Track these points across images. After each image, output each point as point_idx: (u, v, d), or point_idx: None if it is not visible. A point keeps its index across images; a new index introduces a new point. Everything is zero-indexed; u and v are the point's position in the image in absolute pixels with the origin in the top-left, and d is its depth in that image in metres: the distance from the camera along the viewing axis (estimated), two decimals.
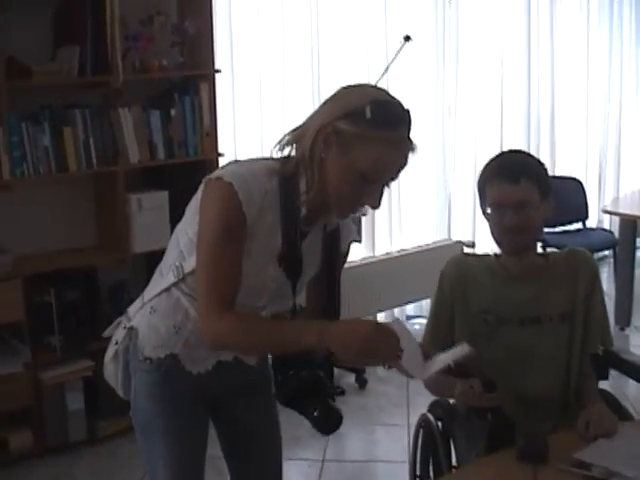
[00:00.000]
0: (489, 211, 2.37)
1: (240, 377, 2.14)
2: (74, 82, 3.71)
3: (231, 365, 2.08)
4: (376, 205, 1.87)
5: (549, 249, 5.12)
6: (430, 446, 2.64)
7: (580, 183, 5.83)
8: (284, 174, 1.87)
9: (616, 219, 5.67)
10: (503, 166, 2.38)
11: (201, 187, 1.90)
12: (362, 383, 4.51)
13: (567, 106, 6.29)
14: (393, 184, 1.90)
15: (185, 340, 2.01)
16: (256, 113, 4.60)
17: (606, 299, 2.55)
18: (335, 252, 2.06)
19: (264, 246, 1.89)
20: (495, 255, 2.52)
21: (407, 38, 4.40)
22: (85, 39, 3.62)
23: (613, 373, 2.63)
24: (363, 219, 4.66)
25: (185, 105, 3.98)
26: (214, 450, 2.26)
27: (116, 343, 2.11)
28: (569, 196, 5.53)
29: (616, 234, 5.57)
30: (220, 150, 4.12)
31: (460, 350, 2.02)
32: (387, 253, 5.20)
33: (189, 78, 4.02)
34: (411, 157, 1.84)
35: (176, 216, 2.03)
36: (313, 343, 1.76)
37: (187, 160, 3.99)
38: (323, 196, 1.85)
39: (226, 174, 1.84)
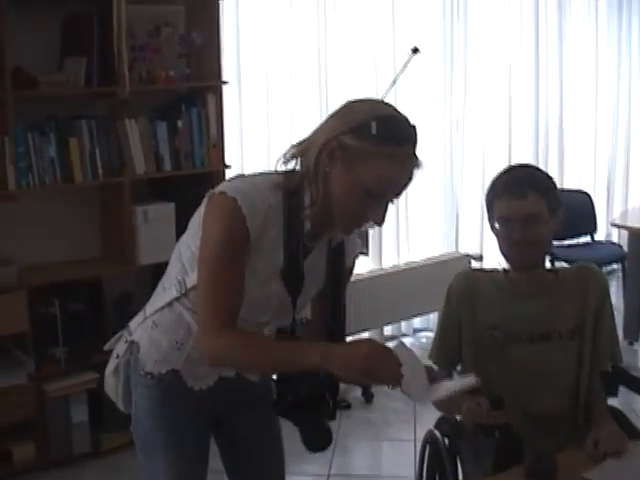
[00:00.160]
0: (497, 226, 2.35)
1: (242, 393, 2.12)
2: (80, 93, 3.70)
3: (233, 381, 2.06)
4: (380, 221, 1.84)
5: (557, 263, 5.10)
6: (436, 463, 2.61)
7: (589, 196, 5.80)
8: (288, 188, 1.85)
9: (624, 232, 5.64)
10: (511, 180, 2.35)
11: (204, 201, 1.88)
12: (369, 397, 4.48)
13: (575, 119, 6.26)
14: (401, 197, 1.87)
15: (187, 356, 1.99)
16: (263, 125, 4.58)
17: (615, 313, 2.52)
18: (340, 267, 2.03)
19: (267, 261, 1.87)
20: (504, 270, 2.49)
21: (415, 50, 4.39)
22: (92, 50, 3.61)
23: (622, 389, 2.60)
24: (370, 232, 4.64)
25: (192, 116, 3.96)
26: (216, 463, 2.24)
27: (117, 357, 2.09)
28: (577, 209, 5.49)
29: (625, 247, 5.54)
30: (227, 162, 4.10)
31: (468, 381, 1.99)
32: (394, 266, 5.17)
33: (196, 89, 4.00)
34: (416, 173, 1.81)
35: (182, 228, 2.01)
36: (316, 364, 1.74)
37: (194, 172, 3.97)
38: (327, 211, 1.82)
39: (230, 189, 1.82)
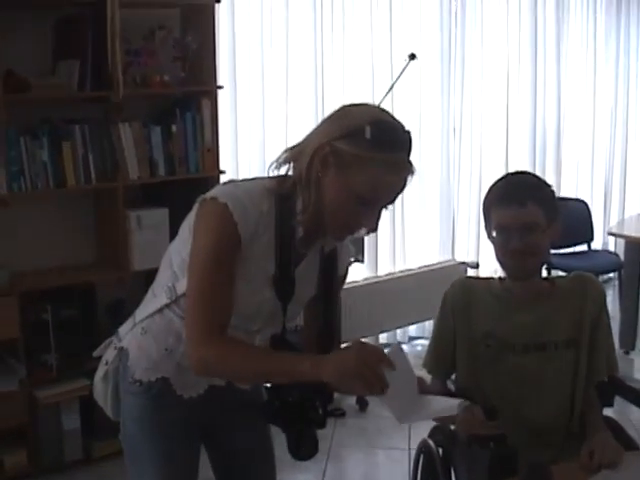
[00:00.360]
0: (494, 234, 2.31)
1: (233, 401, 2.09)
2: (74, 96, 3.67)
3: (223, 390, 2.03)
4: (373, 228, 1.81)
5: (554, 271, 5.07)
6: (430, 472, 2.58)
7: (586, 204, 5.78)
8: (280, 193, 1.82)
9: (621, 241, 5.63)
10: (509, 188, 2.32)
11: (195, 207, 1.85)
12: (363, 405, 4.45)
13: (573, 127, 6.26)
14: (397, 203, 1.85)
15: (177, 363, 1.95)
16: (258, 130, 4.56)
17: (611, 322, 2.50)
18: (332, 274, 2.00)
19: (259, 268, 1.84)
20: (500, 278, 2.46)
21: (412, 56, 4.37)
22: (85, 53, 3.58)
23: (617, 399, 2.58)
24: (366, 238, 4.62)
25: (186, 121, 3.94)
26: (207, 471, 2.21)
27: (106, 363, 2.07)
28: (574, 218, 5.48)
29: (621, 256, 5.52)
30: (222, 167, 4.07)
31: (450, 407, 1.94)
32: (390, 273, 5.14)
33: (191, 94, 3.98)
34: (410, 180, 1.79)
35: (176, 234, 1.98)
36: (306, 371, 1.69)
37: (188, 177, 3.94)
38: (320, 217, 1.79)
39: (221, 194, 1.79)
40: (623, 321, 5.17)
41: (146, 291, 2.07)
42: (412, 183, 1.81)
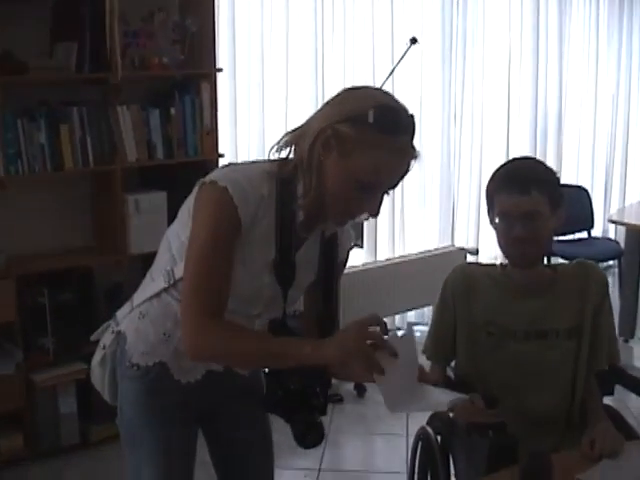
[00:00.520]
0: (497, 221, 2.29)
1: (231, 387, 2.07)
2: (71, 79, 3.64)
3: (222, 375, 2.00)
4: (375, 213, 1.79)
5: (553, 258, 5.05)
6: (428, 460, 2.57)
7: (586, 191, 5.75)
8: (281, 177, 1.79)
9: (621, 228, 5.62)
10: (513, 175, 2.29)
11: (195, 190, 1.82)
12: (361, 391, 4.44)
13: (574, 114, 6.23)
14: (396, 189, 1.82)
15: (174, 348, 1.93)
16: (258, 113, 4.53)
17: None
18: (333, 259, 1.98)
19: (259, 252, 1.81)
20: (501, 265, 2.44)
21: (413, 40, 4.33)
22: (83, 35, 3.55)
23: (616, 387, 2.56)
24: (365, 224, 4.59)
25: (185, 104, 3.91)
26: (206, 455, 2.20)
27: (104, 347, 2.04)
28: (575, 205, 5.44)
29: (621, 244, 5.51)
30: (220, 150, 4.04)
31: (442, 402, 1.89)
32: (389, 259, 5.12)
33: (190, 77, 3.94)
34: (413, 164, 1.76)
35: (175, 217, 1.95)
36: (307, 354, 1.67)
37: (186, 160, 3.92)
38: (321, 201, 1.77)
39: (221, 178, 1.76)
40: (623, 309, 5.16)
41: (144, 275, 2.05)
42: (412, 168, 1.78)
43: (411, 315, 5.36)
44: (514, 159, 2.48)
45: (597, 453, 2.08)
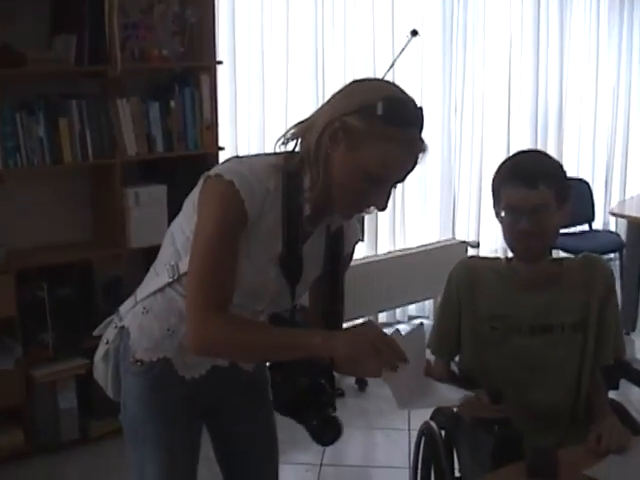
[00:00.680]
0: (503, 214, 2.26)
1: (235, 383, 2.05)
2: (71, 71, 3.60)
3: (226, 370, 1.99)
4: (382, 206, 1.77)
5: (554, 251, 5.03)
6: (432, 455, 2.55)
7: (587, 184, 5.73)
8: (287, 170, 1.77)
9: (622, 221, 5.62)
10: (520, 168, 2.27)
11: (200, 184, 1.79)
12: (362, 385, 4.42)
13: (575, 106, 6.21)
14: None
15: (179, 343, 1.90)
16: (258, 106, 4.50)
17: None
18: (339, 253, 1.96)
19: (265, 247, 1.79)
20: (506, 259, 2.42)
21: (414, 33, 4.31)
22: (83, 27, 3.52)
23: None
24: (366, 217, 4.57)
25: (185, 97, 3.87)
26: (210, 452, 2.18)
27: (107, 342, 2.02)
28: (576, 197, 5.37)
29: (622, 236, 5.50)
30: (220, 144, 4.01)
31: (451, 399, 1.89)
32: (389, 252, 5.10)
33: (190, 69, 3.91)
34: (422, 158, 1.74)
35: (174, 211, 1.93)
36: (316, 345, 1.65)
37: (186, 153, 3.89)
38: (328, 195, 1.75)
39: (226, 171, 1.74)
40: (624, 302, 5.12)
41: (144, 269, 2.03)
42: (420, 161, 1.76)
43: (412, 308, 5.35)
44: (521, 152, 2.45)
45: (604, 448, 2.06)
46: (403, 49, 4.31)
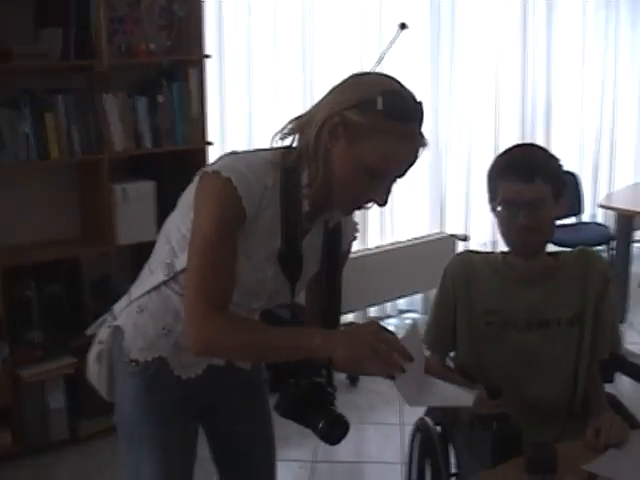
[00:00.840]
0: (499, 209, 2.24)
1: (232, 382, 2.03)
2: (57, 66, 3.56)
3: (223, 369, 1.96)
4: (383, 202, 1.75)
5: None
6: (428, 452, 2.53)
7: (575, 177, 5.73)
8: (285, 166, 1.74)
9: (610, 213, 5.62)
10: (516, 162, 2.25)
11: (196, 180, 1.76)
12: (354, 380, 4.40)
13: (562, 99, 6.19)
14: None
15: (175, 343, 1.88)
16: (245, 100, 4.46)
17: None
18: (337, 249, 1.94)
19: (263, 244, 1.76)
20: (502, 253, 2.40)
21: (403, 26, 4.27)
22: (69, 21, 3.47)
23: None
24: (356, 211, 4.53)
25: (173, 91, 3.83)
26: (203, 451, 2.15)
27: (100, 342, 1.98)
28: None
29: (610, 229, 5.52)
30: (209, 139, 3.97)
31: (465, 399, 1.86)
32: (379, 246, 5.07)
33: (177, 63, 3.88)
34: (422, 152, 1.72)
35: (163, 207, 1.91)
36: (317, 346, 1.62)
37: (175, 149, 3.85)
38: (327, 190, 1.72)
39: (223, 168, 1.71)
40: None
41: (132, 266, 2.01)
42: (420, 156, 1.74)
43: (402, 303, 5.32)
44: (516, 145, 2.42)
45: (602, 443, 2.04)
46: (392, 42, 4.27)
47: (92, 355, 2.00)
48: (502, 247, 2.39)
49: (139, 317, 1.90)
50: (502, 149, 2.37)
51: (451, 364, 2.50)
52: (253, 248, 1.75)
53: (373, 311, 5.13)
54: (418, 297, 5.27)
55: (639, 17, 6.56)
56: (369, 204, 1.77)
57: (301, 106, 4.51)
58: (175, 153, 3.83)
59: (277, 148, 1.78)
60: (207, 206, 1.71)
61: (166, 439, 1.95)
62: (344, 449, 3.94)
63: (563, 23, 6.05)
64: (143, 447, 1.95)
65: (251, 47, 4.42)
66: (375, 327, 1.64)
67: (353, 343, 1.60)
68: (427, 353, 2.38)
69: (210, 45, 4.07)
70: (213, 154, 3.95)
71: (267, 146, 1.81)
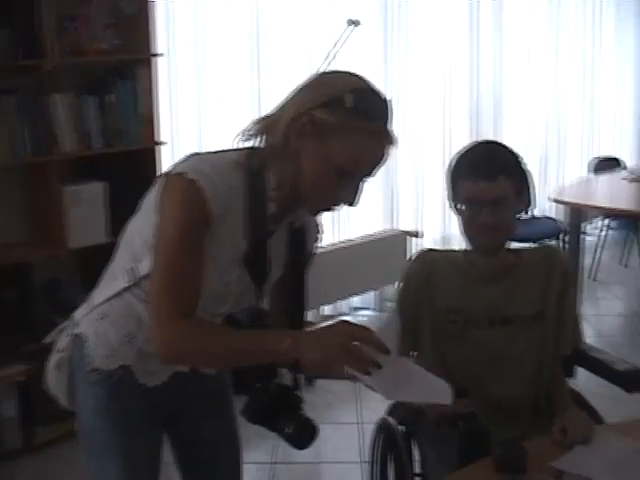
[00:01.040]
0: (462, 207, 2.23)
1: (197, 389, 1.99)
2: (3, 66, 3.46)
3: (188, 376, 1.92)
4: (353, 201, 1.72)
5: None
6: (391, 452, 2.51)
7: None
8: (250, 168, 1.71)
9: (560, 208, 5.71)
10: (479, 160, 2.24)
11: (159, 182, 1.71)
12: (310, 379, 4.36)
13: (511, 94, 6.25)
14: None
15: (138, 350, 1.83)
16: (195, 100, 4.41)
17: None
18: (302, 251, 1.92)
19: (228, 247, 1.72)
20: (464, 251, 2.39)
21: (354, 22, 4.24)
22: (16, 20, 3.39)
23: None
24: None
25: (123, 91, 3.76)
26: (164, 456, 2.10)
27: (60, 351, 1.93)
28: None
29: (560, 222, 5.61)
30: (160, 139, 3.91)
31: (444, 396, 1.81)
32: (332, 244, 5.05)
33: (127, 62, 3.80)
34: (391, 150, 1.70)
35: (115, 209, 1.86)
36: (286, 349, 1.58)
37: (125, 149, 3.78)
38: (295, 191, 1.69)
39: (188, 169, 1.66)
40: None
41: (83, 270, 1.97)
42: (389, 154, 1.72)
43: (356, 300, 5.31)
44: (478, 143, 2.41)
45: (569, 440, 2.04)
46: (341, 39, 4.24)
47: (51, 363, 1.95)
48: (455, 243, 2.38)
49: (100, 324, 1.85)
50: (452, 145, 2.36)
51: None
52: (218, 250, 1.71)
53: (327, 309, 5.11)
54: (372, 295, 5.26)
55: (582, 5, 6.65)
56: (339, 205, 1.74)
57: (251, 105, 4.48)
58: (126, 153, 3.76)
59: (241, 149, 1.74)
60: (172, 209, 1.66)
61: (130, 446, 1.91)
62: (304, 450, 3.91)
63: (512, 20, 6.13)
64: (106, 455, 1.91)
65: (201, 46, 4.37)
66: (345, 326, 1.61)
67: (323, 345, 1.57)
68: None
69: (161, 44, 4.01)
70: (165, 154, 3.89)
71: (228, 147, 1.77)
